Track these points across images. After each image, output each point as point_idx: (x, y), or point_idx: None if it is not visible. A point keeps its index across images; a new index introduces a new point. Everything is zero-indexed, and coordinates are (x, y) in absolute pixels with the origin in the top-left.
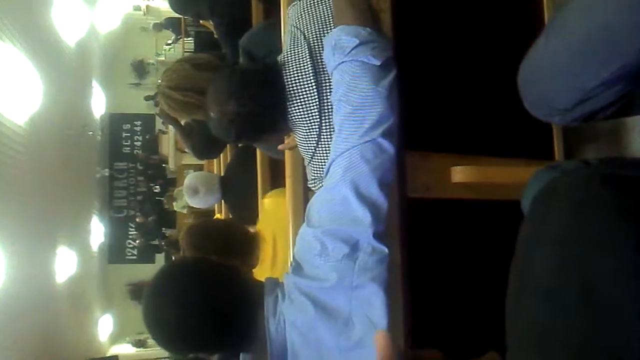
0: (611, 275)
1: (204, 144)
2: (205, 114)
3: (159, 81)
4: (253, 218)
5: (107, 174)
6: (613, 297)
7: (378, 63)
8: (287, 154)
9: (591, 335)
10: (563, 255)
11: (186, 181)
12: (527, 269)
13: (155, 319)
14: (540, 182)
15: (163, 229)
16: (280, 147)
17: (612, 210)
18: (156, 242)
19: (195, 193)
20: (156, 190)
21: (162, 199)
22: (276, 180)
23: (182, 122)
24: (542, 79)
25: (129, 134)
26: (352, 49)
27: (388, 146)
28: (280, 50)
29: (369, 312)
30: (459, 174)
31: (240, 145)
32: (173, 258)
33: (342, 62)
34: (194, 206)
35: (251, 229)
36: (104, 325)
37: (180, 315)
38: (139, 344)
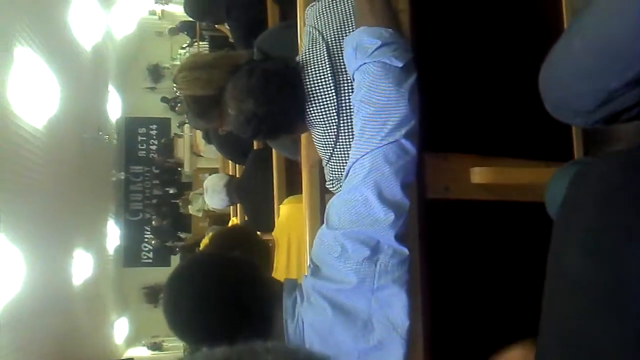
0: (636, 268)
1: (226, 149)
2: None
3: (174, 86)
4: (269, 224)
5: (122, 178)
6: (639, 292)
7: (400, 65)
8: (304, 156)
9: (618, 334)
10: (594, 245)
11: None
12: (559, 259)
13: (173, 305)
14: (566, 176)
15: (178, 232)
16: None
17: None
18: (170, 244)
19: (205, 192)
20: (172, 193)
21: (177, 202)
22: (292, 184)
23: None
24: (564, 81)
25: (144, 138)
26: (374, 51)
27: (410, 147)
28: (296, 52)
29: (390, 314)
30: (479, 175)
31: (256, 147)
32: None
33: (364, 63)
34: (209, 204)
35: (267, 236)
36: (120, 328)
37: (196, 304)
38: (155, 347)
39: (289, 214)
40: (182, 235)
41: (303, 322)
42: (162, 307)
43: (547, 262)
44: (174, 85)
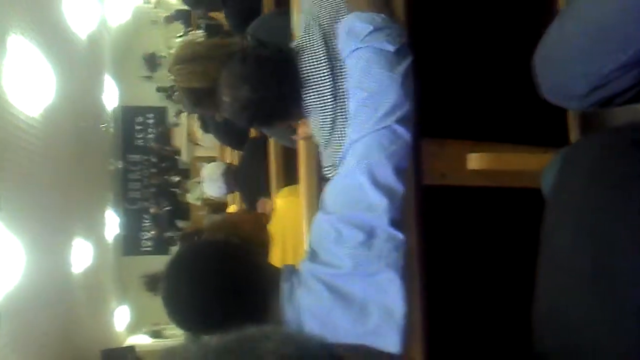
0: (624, 245)
1: (223, 135)
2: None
3: (170, 75)
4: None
5: (120, 166)
6: (625, 270)
7: (392, 49)
8: (301, 143)
9: (600, 309)
10: (582, 225)
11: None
12: (550, 238)
13: (171, 292)
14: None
15: (177, 220)
16: (294, 137)
17: (628, 177)
18: (170, 234)
19: (203, 180)
20: (170, 180)
21: (176, 190)
22: (289, 172)
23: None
24: (558, 64)
25: (141, 127)
26: (366, 36)
27: (403, 132)
28: (288, 38)
29: (385, 299)
30: (475, 161)
31: (253, 136)
32: None
33: (357, 48)
34: (207, 192)
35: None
36: (121, 316)
37: (194, 290)
38: (156, 334)
39: (285, 208)
40: (181, 224)
41: (300, 307)
42: (161, 295)
43: (540, 242)
44: (169, 75)
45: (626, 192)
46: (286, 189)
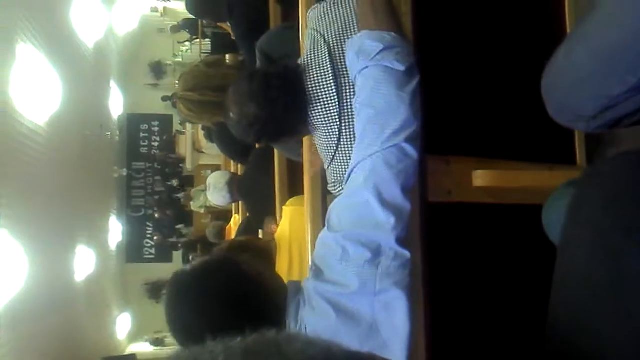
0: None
1: (228, 147)
2: (224, 114)
3: (176, 83)
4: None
5: (124, 174)
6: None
7: (402, 68)
8: (306, 157)
9: (620, 328)
10: (597, 240)
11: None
12: (568, 251)
13: (176, 312)
14: (562, 198)
15: (181, 225)
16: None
17: None
18: (174, 240)
19: (207, 189)
20: (175, 186)
21: (179, 196)
22: (295, 184)
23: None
24: (566, 86)
25: (146, 134)
26: (377, 54)
27: (411, 151)
28: (297, 53)
29: (392, 317)
30: (481, 178)
31: (258, 146)
32: (190, 258)
33: (366, 67)
34: (211, 201)
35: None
36: (122, 324)
37: (201, 311)
38: (157, 342)
39: (291, 218)
40: (184, 230)
41: (306, 327)
42: (165, 313)
43: (557, 253)
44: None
45: None
46: (294, 198)
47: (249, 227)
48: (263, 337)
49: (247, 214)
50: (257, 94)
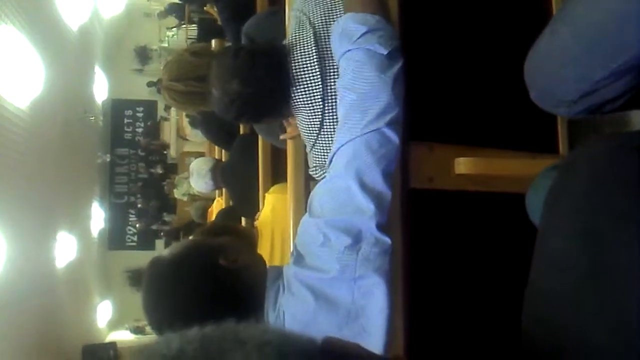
0: (622, 250)
1: (212, 134)
2: (206, 87)
3: (161, 67)
4: (254, 209)
5: (108, 160)
6: (622, 273)
7: (384, 52)
8: (289, 142)
9: (598, 307)
10: (580, 228)
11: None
12: (544, 240)
13: (153, 298)
14: (545, 181)
15: (164, 214)
16: (282, 136)
17: (630, 183)
18: (155, 227)
19: (190, 176)
20: (158, 173)
21: (163, 184)
22: (279, 172)
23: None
24: (549, 69)
25: (130, 120)
26: (359, 37)
27: (393, 136)
28: (283, 38)
29: (371, 303)
30: (463, 165)
31: (242, 133)
32: None
33: (349, 50)
34: (194, 188)
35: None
36: (103, 312)
37: (184, 305)
38: (138, 330)
39: (273, 205)
40: (167, 218)
41: (284, 313)
42: (143, 306)
43: (535, 243)
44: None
45: (627, 195)
46: (277, 185)
47: (231, 214)
48: (221, 325)
49: (231, 201)
50: (241, 70)
